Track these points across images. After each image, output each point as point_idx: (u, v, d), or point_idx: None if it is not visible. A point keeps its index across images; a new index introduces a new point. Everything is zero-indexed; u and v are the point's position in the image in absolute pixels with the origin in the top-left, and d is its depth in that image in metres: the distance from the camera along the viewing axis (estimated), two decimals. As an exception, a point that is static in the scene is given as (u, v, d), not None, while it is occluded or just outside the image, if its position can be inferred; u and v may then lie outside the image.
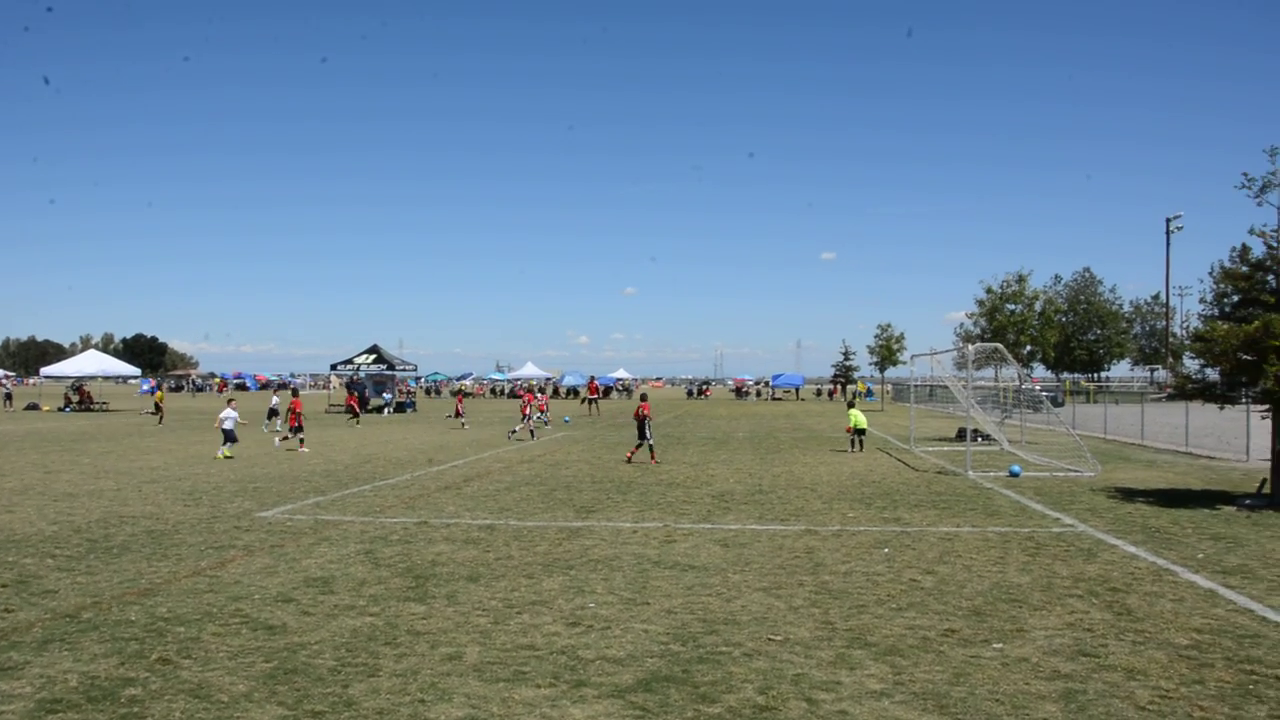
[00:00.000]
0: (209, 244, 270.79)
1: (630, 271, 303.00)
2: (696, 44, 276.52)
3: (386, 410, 51.52)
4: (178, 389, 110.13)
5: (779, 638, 7.57)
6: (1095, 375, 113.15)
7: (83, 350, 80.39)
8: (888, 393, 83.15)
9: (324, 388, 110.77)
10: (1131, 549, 11.68)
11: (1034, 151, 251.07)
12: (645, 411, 22.94)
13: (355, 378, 55.78)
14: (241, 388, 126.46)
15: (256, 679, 6.50)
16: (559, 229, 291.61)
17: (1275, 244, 15.83)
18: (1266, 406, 15.94)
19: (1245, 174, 16.03)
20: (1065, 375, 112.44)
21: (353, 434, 34.00)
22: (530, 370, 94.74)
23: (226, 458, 23.42)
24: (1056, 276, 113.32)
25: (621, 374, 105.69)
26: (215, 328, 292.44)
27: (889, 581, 9.75)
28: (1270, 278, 15.91)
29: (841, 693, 6.27)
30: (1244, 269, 16.18)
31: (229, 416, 24.44)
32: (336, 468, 21.47)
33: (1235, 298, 16.56)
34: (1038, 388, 58.91)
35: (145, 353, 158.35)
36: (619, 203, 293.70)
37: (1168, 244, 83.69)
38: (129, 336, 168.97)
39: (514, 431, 31.68)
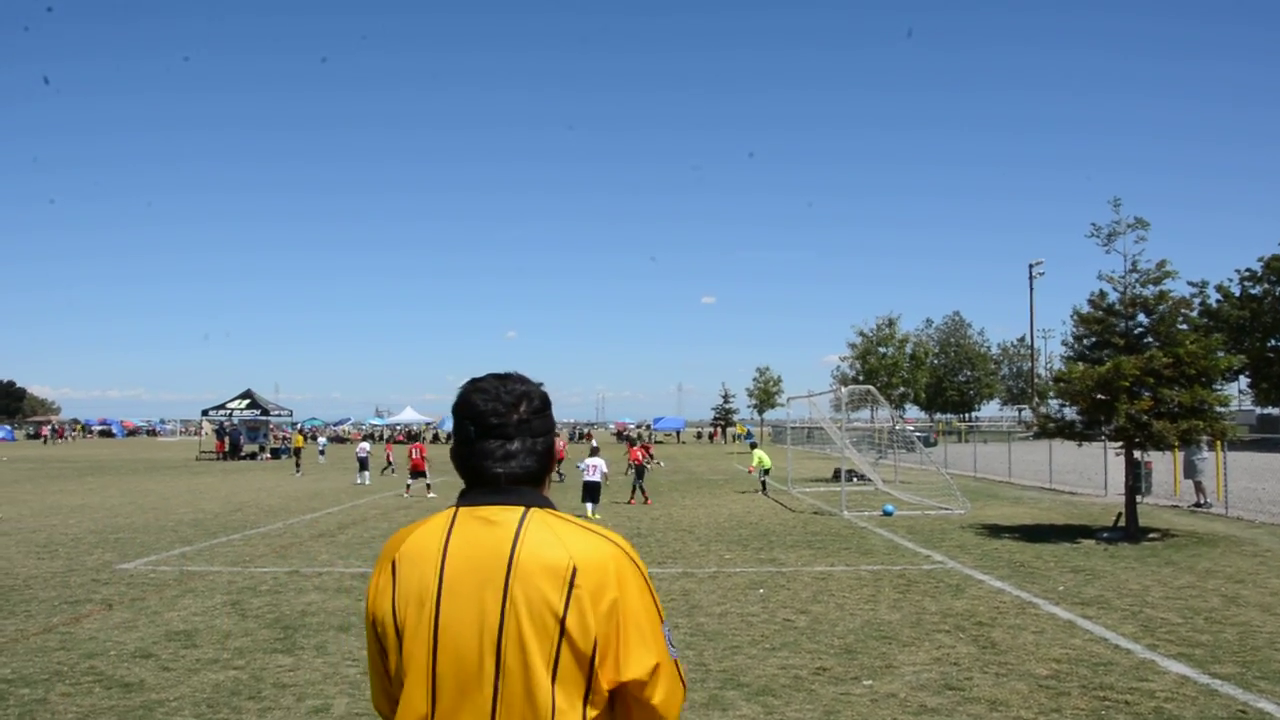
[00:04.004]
0: (73, 286, 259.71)
1: (511, 315, 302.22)
2: (589, 89, 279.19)
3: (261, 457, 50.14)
4: (36, 436, 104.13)
5: (653, 680, 7.56)
6: (966, 415, 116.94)
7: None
8: (767, 435, 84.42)
9: (195, 434, 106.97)
10: (997, 584, 12.05)
11: (903, 195, 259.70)
12: (637, 457, 24.42)
13: (227, 424, 54.18)
14: (107, 434, 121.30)
15: (107, 740, 6.20)
16: (440, 272, 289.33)
17: (1123, 289, 16.67)
18: (1120, 443, 16.68)
19: (1094, 224, 16.83)
20: (938, 415, 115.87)
21: (224, 481, 32.90)
22: (410, 415, 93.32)
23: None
24: (928, 320, 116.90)
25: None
26: (79, 372, 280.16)
27: (763, 622, 9.84)
28: (1121, 321, 16.72)
29: (713, 734, 6.30)
30: (1097, 314, 16.97)
31: (595, 465, 20.19)
32: (205, 516, 20.73)
33: (1090, 340, 17.33)
34: (911, 428, 60.64)
35: (1, 399, 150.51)
36: (500, 246, 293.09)
37: (1031, 289, 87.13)
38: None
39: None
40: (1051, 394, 18.62)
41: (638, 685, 1.99)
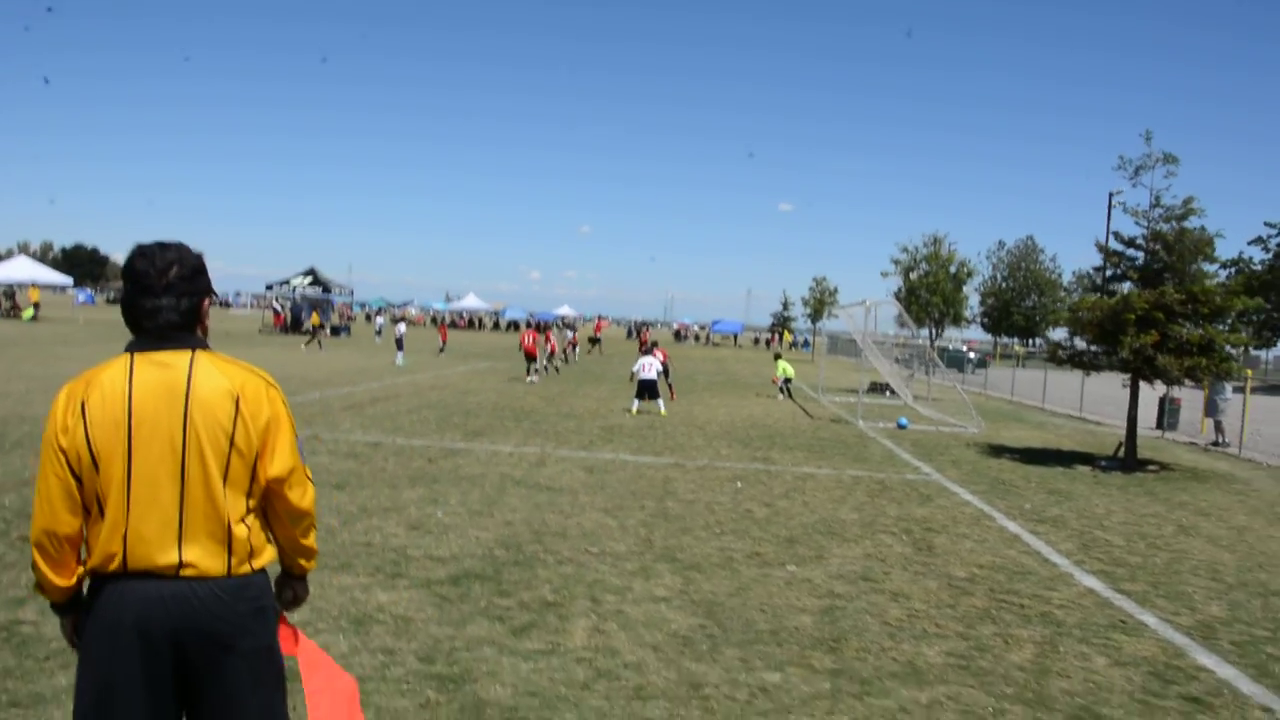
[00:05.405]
0: (167, 162, 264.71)
1: (586, 208, 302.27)
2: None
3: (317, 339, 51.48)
4: (117, 301, 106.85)
5: (595, 550, 8.34)
6: (1030, 341, 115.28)
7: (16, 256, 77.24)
8: (822, 345, 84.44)
9: (266, 308, 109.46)
10: (968, 496, 12.59)
11: (998, 123, 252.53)
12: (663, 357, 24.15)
13: (293, 298, 55.83)
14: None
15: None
16: (518, 168, 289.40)
17: (1145, 223, 16.72)
18: (1128, 375, 16.92)
19: (1121, 156, 16.77)
20: (1004, 340, 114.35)
21: (280, 354, 34.30)
22: (471, 301, 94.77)
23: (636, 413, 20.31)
24: (1000, 243, 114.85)
25: (565, 310, 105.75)
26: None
27: (726, 510, 10.54)
28: (1140, 255, 16.82)
29: (627, 597, 7.04)
30: (1117, 247, 17.06)
31: (649, 363, 20.65)
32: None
33: (1109, 272, 17.46)
34: (966, 349, 60.32)
35: (85, 264, 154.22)
36: (578, 146, 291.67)
37: (1109, 218, 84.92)
38: (69, 246, 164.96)
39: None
40: (1063, 323, 18.79)
41: (279, 481, 2.74)
